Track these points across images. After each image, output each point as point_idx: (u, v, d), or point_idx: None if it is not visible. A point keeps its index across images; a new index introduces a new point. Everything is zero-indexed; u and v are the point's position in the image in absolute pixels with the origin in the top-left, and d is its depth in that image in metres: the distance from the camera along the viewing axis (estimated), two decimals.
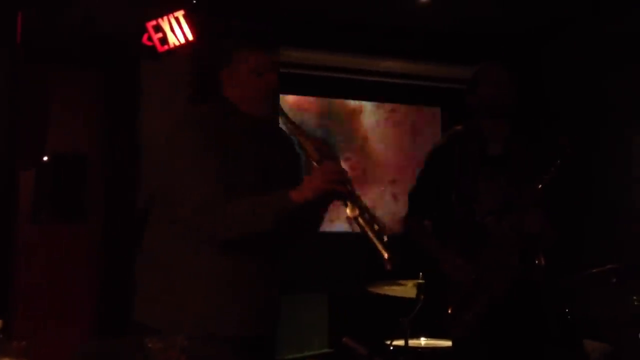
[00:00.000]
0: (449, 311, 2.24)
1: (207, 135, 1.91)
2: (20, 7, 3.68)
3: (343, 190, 1.78)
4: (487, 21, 4.67)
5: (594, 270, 3.68)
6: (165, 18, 4.08)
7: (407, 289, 3.66)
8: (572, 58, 4.98)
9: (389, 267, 1.72)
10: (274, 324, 2.04)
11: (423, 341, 3.75)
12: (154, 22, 4.07)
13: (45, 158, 4.34)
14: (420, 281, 3.57)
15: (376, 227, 1.76)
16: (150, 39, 4.07)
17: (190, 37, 4.12)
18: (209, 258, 1.91)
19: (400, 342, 3.60)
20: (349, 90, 5.16)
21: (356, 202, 1.78)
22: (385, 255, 1.73)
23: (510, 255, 2.23)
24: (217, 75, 2.01)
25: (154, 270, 1.97)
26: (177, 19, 4.11)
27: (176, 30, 4.11)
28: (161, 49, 4.09)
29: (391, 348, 3.65)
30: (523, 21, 4.71)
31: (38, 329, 3.92)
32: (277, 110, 1.96)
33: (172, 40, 4.10)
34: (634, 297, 3.43)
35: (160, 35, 4.08)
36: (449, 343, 3.24)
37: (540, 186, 2.22)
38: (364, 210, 1.77)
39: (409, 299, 3.58)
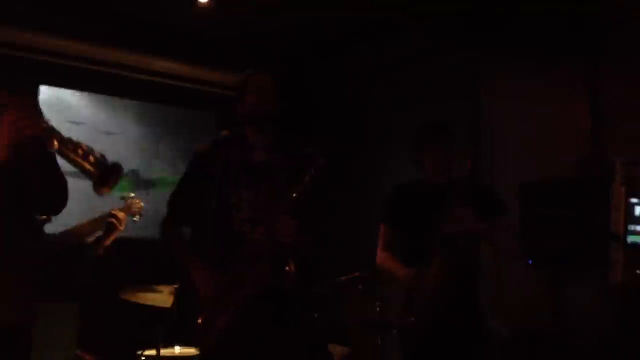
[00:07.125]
0: (199, 321, 2.20)
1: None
2: None
3: (30, 133, 1.76)
4: (266, 31, 4.74)
5: (343, 278, 3.91)
6: None
7: (164, 297, 3.56)
8: (338, 77, 5.29)
9: (100, 192, 1.78)
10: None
11: (178, 350, 3.68)
12: None
13: None
14: (177, 286, 3.49)
15: (80, 151, 1.79)
16: None
17: None
18: None
19: (153, 352, 3.48)
20: (121, 88, 4.93)
21: (53, 135, 1.79)
22: (93, 171, 1.77)
23: (261, 263, 2.24)
24: None
25: None
26: None
27: None
28: None
29: (143, 358, 3.52)
30: (304, 36, 4.87)
31: None
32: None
33: None
34: (378, 304, 3.70)
35: None
36: None
37: (294, 195, 2.26)
38: (65, 141, 1.80)
39: (167, 308, 3.49)
